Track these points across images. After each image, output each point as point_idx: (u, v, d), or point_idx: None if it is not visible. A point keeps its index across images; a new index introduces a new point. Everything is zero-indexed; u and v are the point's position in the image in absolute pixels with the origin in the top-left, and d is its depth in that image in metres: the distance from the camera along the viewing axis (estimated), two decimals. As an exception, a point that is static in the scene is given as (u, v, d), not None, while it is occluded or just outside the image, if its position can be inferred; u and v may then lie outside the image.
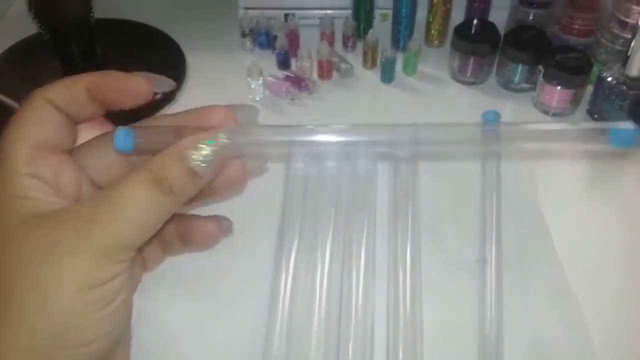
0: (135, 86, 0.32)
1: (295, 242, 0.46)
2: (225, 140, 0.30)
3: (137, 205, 0.28)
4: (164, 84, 0.34)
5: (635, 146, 0.32)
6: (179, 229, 0.36)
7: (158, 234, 0.32)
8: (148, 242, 0.35)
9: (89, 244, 0.27)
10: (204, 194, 0.34)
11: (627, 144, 0.32)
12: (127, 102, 0.32)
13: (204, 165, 0.29)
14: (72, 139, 0.33)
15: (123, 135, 0.31)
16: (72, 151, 0.33)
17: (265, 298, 0.44)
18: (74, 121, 0.32)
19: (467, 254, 0.47)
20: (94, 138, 0.34)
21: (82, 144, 0.34)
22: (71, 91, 0.31)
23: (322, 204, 0.49)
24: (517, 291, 0.45)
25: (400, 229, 0.47)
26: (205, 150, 0.29)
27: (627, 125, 0.32)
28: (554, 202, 0.52)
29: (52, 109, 0.31)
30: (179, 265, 0.46)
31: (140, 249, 0.35)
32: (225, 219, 0.37)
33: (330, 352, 0.40)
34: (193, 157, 0.29)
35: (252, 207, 0.51)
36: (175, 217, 0.36)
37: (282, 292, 0.43)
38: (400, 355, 0.40)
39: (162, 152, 0.29)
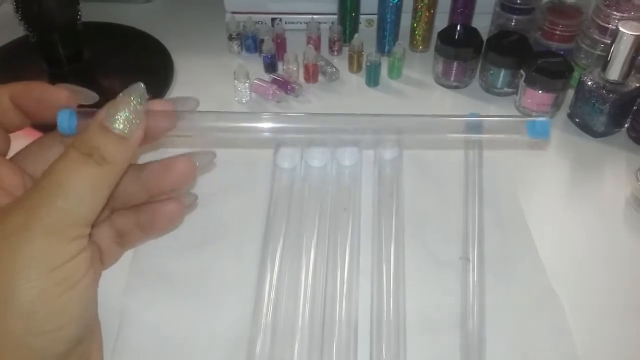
0: (55, 96, 0.32)
1: (281, 241, 0.47)
2: (137, 99, 0.30)
3: (76, 182, 0.28)
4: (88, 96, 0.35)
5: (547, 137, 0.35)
6: (141, 219, 0.36)
7: (108, 206, 0.32)
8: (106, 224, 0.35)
9: (38, 226, 0.28)
10: (155, 191, 0.35)
11: (543, 135, 0.35)
12: (47, 113, 0.33)
13: (127, 127, 0.30)
14: (6, 143, 0.33)
15: (67, 117, 0.31)
16: (13, 157, 0.33)
17: (250, 297, 0.44)
18: (4, 129, 0.33)
19: (450, 252, 0.48)
20: (33, 142, 0.35)
21: (22, 150, 0.34)
22: None
23: (307, 204, 0.50)
24: (500, 289, 0.45)
25: (384, 228, 0.48)
26: (122, 113, 0.30)
27: (542, 118, 0.34)
28: (535, 202, 0.53)
29: None
30: (165, 265, 0.47)
31: (96, 241, 0.35)
32: (189, 194, 0.37)
33: (314, 351, 0.41)
34: (113, 123, 0.30)
35: (238, 207, 0.51)
36: (134, 208, 0.36)
37: (267, 291, 0.44)
38: (384, 353, 0.41)
39: (83, 129, 0.30)
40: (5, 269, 0.27)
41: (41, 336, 0.28)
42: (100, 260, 0.36)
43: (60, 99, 0.32)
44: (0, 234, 0.28)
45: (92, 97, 0.34)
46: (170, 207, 0.36)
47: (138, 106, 0.30)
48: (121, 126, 0.30)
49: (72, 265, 0.29)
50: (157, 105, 0.33)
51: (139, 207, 0.36)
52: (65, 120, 0.31)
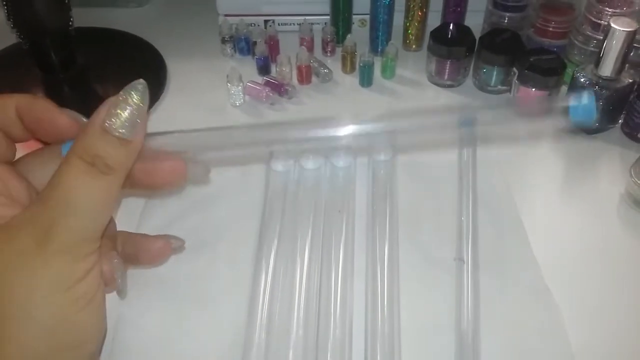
0: (56, 121, 0.31)
1: (275, 244, 0.47)
2: (138, 98, 0.29)
3: (84, 197, 0.28)
4: None
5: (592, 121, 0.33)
6: (127, 249, 0.35)
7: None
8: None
9: (52, 247, 0.27)
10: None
11: (587, 118, 0.32)
12: (46, 134, 0.32)
13: (129, 129, 0.28)
14: (11, 152, 0.32)
15: None
16: (15, 164, 0.33)
17: (245, 299, 0.44)
18: (10, 137, 0.32)
19: (444, 253, 0.47)
20: (31, 153, 0.34)
21: (24, 156, 0.33)
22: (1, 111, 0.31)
23: (301, 207, 0.49)
24: (494, 289, 0.45)
25: (378, 229, 0.48)
26: (123, 114, 0.28)
27: (586, 99, 0.32)
28: (529, 200, 0.53)
29: None
30: (160, 269, 0.46)
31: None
32: (176, 238, 0.37)
33: (309, 352, 0.41)
34: (115, 125, 0.28)
35: (232, 210, 0.51)
36: (122, 237, 0.36)
37: (261, 294, 0.44)
38: (379, 355, 0.40)
39: (82, 132, 0.28)
40: (23, 290, 0.27)
41: (63, 354, 0.28)
42: None
43: (61, 125, 0.31)
44: (13, 254, 0.27)
45: None
46: (157, 245, 0.36)
47: (140, 105, 0.29)
48: (123, 129, 0.28)
49: (88, 282, 0.29)
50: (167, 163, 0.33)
51: (128, 237, 0.36)
52: None
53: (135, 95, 0.29)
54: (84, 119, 0.32)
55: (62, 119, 0.31)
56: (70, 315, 0.28)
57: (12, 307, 0.27)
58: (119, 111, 0.28)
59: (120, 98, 0.28)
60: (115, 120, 0.28)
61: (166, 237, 0.37)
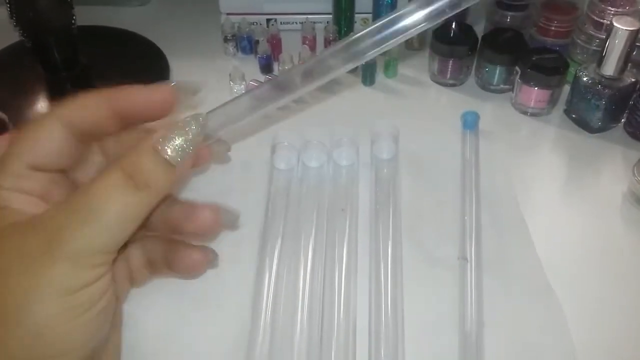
0: (162, 97, 0.31)
1: (278, 243, 0.47)
2: (196, 129, 0.29)
3: (110, 210, 0.27)
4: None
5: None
6: (168, 255, 0.35)
7: (141, 231, 0.31)
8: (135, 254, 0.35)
9: (61, 251, 0.26)
10: (177, 232, 0.34)
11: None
12: (156, 115, 0.32)
13: (179, 154, 0.28)
14: (75, 158, 0.32)
15: None
16: None
17: (248, 300, 0.44)
18: (88, 138, 0.31)
19: (448, 252, 0.48)
20: None
21: None
22: (91, 109, 0.30)
23: (304, 206, 0.50)
24: (498, 289, 0.45)
25: (381, 228, 0.48)
26: (178, 140, 0.28)
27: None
28: (532, 199, 0.53)
29: (61, 131, 0.30)
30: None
31: (129, 263, 0.35)
32: (212, 251, 0.37)
33: (313, 352, 0.41)
34: (167, 148, 0.28)
35: (235, 209, 0.51)
36: (164, 240, 0.35)
37: (265, 293, 0.44)
38: (382, 354, 0.40)
39: (135, 146, 0.28)
40: (20, 290, 0.26)
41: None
42: (130, 279, 0.36)
43: (166, 98, 0.31)
44: (19, 255, 0.27)
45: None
46: (195, 256, 0.36)
47: (196, 137, 0.29)
48: (173, 154, 0.28)
49: (89, 291, 0.28)
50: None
51: (169, 242, 0.35)
52: None
53: (194, 126, 0.29)
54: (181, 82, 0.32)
55: (168, 91, 0.31)
56: (63, 322, 0.27)
57: (7, 303, 0.27)
58: (174, 136, 0.29)
59: (180, 124, 0.29)
60: (168, 143, 0.28)
61: (204, 249, 0.36)
